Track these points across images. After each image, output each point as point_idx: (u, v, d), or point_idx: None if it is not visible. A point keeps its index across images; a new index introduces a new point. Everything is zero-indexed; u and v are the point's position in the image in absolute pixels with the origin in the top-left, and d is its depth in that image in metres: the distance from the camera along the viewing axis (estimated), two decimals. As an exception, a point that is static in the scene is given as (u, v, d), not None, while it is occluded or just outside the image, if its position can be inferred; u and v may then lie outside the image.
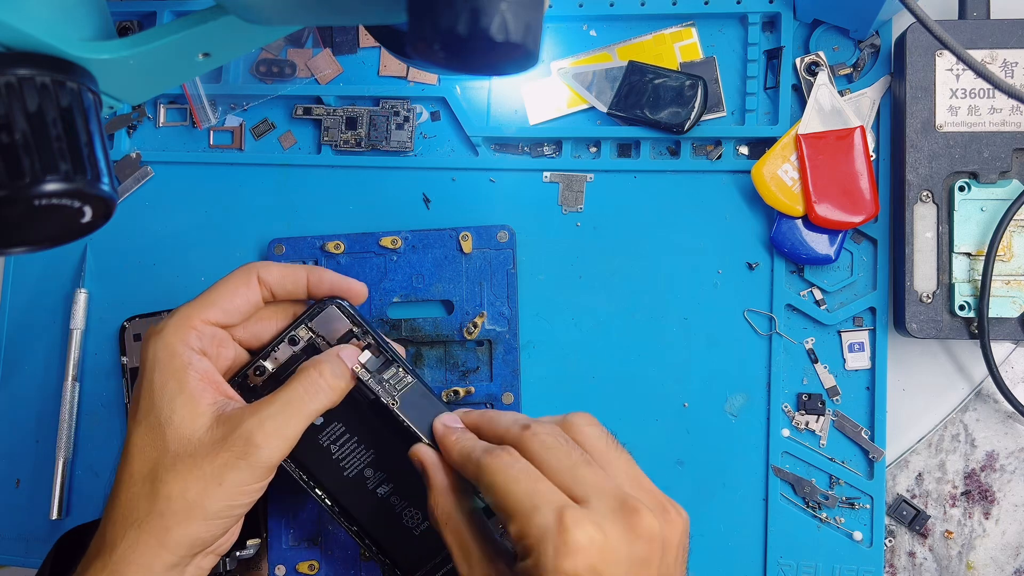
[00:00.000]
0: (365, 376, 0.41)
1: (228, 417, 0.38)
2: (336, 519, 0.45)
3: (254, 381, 0.43)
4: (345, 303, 0.43)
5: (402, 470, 0.44)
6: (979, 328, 0.45)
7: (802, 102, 0.50)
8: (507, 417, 0.38)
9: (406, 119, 0.54)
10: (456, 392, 0.50)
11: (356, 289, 0.43)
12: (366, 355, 0.42)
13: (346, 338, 0.43)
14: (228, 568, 0.49)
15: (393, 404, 0.41)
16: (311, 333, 0.43)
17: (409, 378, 0.42)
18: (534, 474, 0.34)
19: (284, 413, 0.38)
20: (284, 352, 0.43)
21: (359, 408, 0.43)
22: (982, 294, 0.45)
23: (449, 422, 0.40)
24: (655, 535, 0.33)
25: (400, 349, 0.45)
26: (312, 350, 0.43)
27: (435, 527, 0.38)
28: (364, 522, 0.44)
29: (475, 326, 0.51)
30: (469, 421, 0.40)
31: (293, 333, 0.43)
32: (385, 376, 0.42)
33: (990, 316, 0.45)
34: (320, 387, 0.40)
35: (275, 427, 0.38)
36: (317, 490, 0.44)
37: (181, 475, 0.37)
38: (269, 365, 0.43)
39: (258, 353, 0.43)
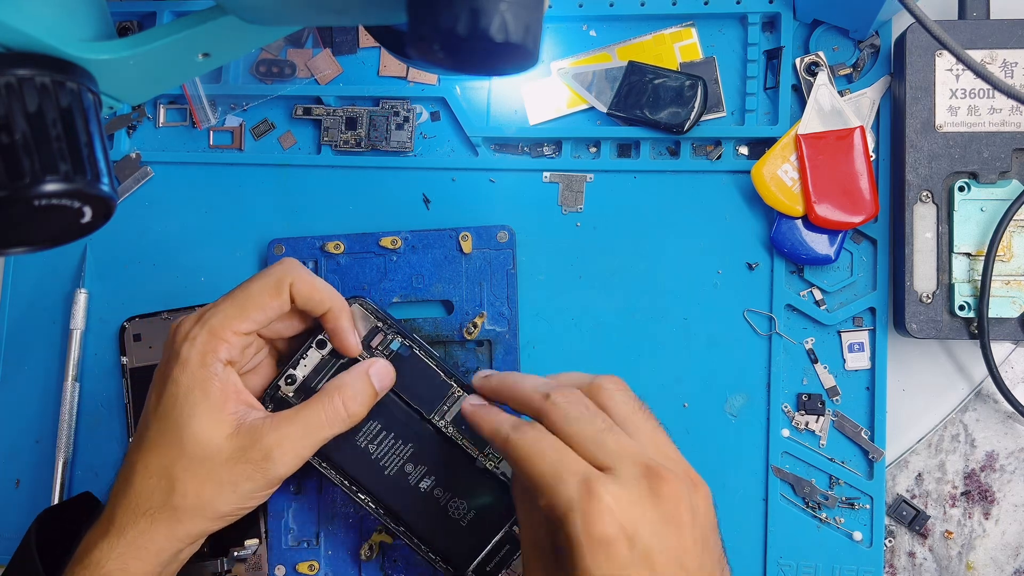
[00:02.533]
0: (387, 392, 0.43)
1: (249, 429, 0.39)
2: (383, 520, 0.45)
3: (285, 392, 0.44)
4: (368, 300, 0.44)
5: (442, 462, 0.44)
6: (979, 328, 0.45)
7: (802, 102, 0.50)
8: (527, 384, 0.38)
9: (406, 119, 0.54)
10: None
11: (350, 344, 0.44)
12: (390, 373, 0.43)
13: (373, 334, 0.44)
14: (227, 568, 0.49)
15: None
16: None
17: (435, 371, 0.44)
18: (559, 446, 0.35)
19: (303, 434, 0.40)
20: (313, 357, 0.44)
21: (393, 403, 0.44)
22: (982, 294, 0.45)
23: (473, 400, 0.41)
24: (682, 498, 0.33)
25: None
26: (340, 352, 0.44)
27: (516, 463, 0.36)
28: (411, 520, 0.44)
29: (475, 326, 0.51)
30: (490, 387, 0.41)
31: (320, 337, 0.44)
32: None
33: (990, 316, 0.45)
34: (339, 416, 0.41)
35: (293, 446, 0.39)
36: (361, 494, 0.44)
37: (198, 477, 0.39)
38: (299, 374, 0.44)
39: (287, 363, 0.44)
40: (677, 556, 0.32)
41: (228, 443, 0.39)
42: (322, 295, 0.42)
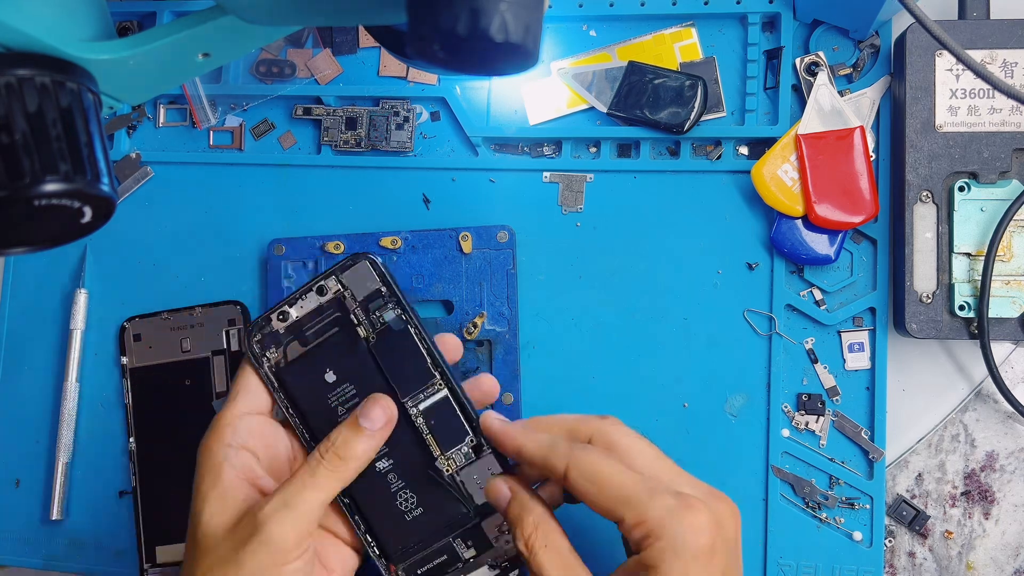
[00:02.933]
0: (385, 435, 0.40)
1: (254, 511, 0.37)
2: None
3: (277, 326, 0.41)
4: (379, 260, 0.42)
5: (404, 449, 0.42)
6: (979, 328, 0.45)
7: (802, 102, 0.50)
8: (541, 440, 0.38)
9: (406, 119, 0.54)
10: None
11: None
12: (386, 412, 0.40)
13: (373, 298, 0.41)
14: None
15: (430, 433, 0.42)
16: (339, 286, 0.41)
17: (439, 387, 0.42)
18: (626, 469, 0.35)
19: (292, 489, 0.38)
20: (311, 301, 0.41)
21: (372, 375, 0.42)
22: (982, 294, 0.45)
23: (501, 418, 0.40)
24: (737, 516, 0.37)
25: (454, 347, 0.44)
26: (338, 305, 0.41)
27: (530, 560, 0.37)
28: (358, 495, 0.42)
29: (475, 326, 0.51)
30: (507, 440, 0.40)
31: (323, 283, 0.41)
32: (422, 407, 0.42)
33: (990, 316, 0.45)
34: (334, 463, 0.39)
35: (281, 502, 0.37)
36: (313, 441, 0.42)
37: (204, 562, 0.37)
38: (294, 312, 0.41)
39: (283, 300, 0.42)
40: (737, 565, 0.36)
41: (232, 531, 0.37)
42: None
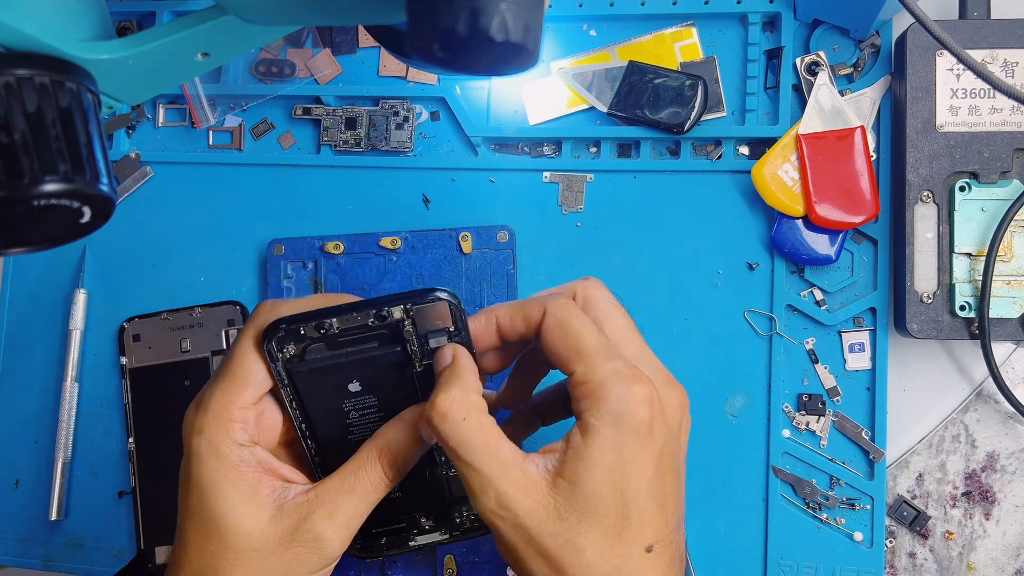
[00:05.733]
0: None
1: (292, 508, 0.36)
2: (310, 454, 0.40)
3: (307, 331, 0.37)
4: (459, 302, 0.37)
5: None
6: (980, 328, 0.45)
7: (802, 102, 0.50)
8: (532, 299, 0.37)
9: (406, 119, 0.54)
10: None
11: None
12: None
13: (437, 332, 0.38)
14: None
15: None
16: (406, 316, 0.37)
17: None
18: (598, 329, 0.35)
19: (353, 503, 0.36)
20: (361, 318, 0.37)
21: (404, 385, 0.39)
22: (983, 294, 0.45)
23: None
24: (685, 405, 0.37)
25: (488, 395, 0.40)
26: (389, 335, 0.38)
27: (441, 431, 0.34)
28: (335, 463, 0.39)
29: (475, 326, 0.50)
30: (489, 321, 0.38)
31: (387, 309, 0.37)
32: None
33: (991, 316, 0.45)
34: (385, 480, 0.37)
35: (346, 519, 0.36)
36: (310, 440, 0.40)
37: (247, 570, 0.35)
38: (337, 324, 0.37)
39: (331, 311, 0.37)
40: (675, 456, 0.36)
41: (272, 528, 0.35)
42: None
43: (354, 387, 0.39)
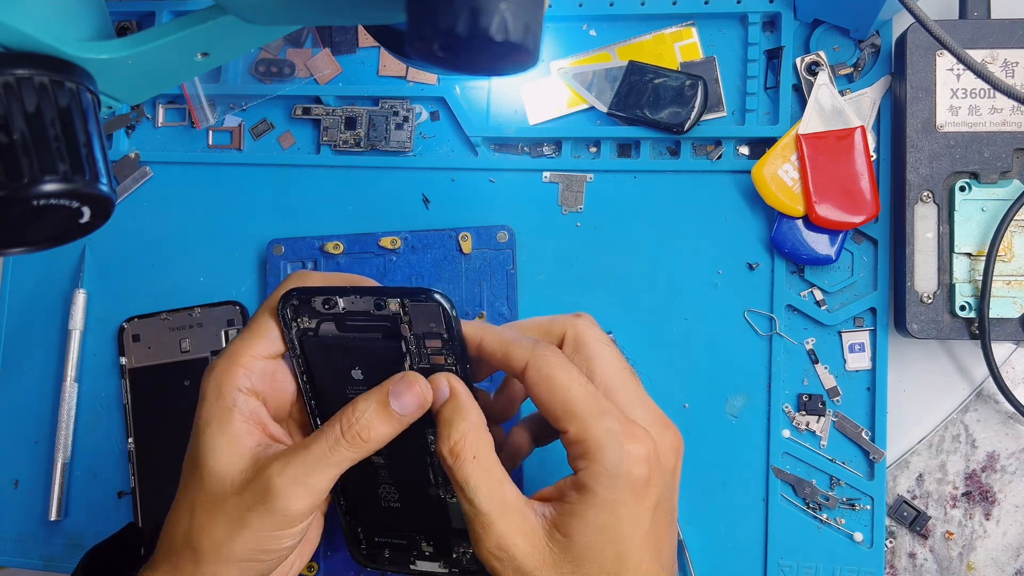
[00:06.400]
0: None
1: (261, 461, 0.36)
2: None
3: (317, 306, 0.38)
4: (451, 306, 0.37)
5: (408, 461, 0.41)
6: (980, 328, 0.45)
7: (802, 102, 0.50)
8: (514, 333, 0.37)
9: (405, 119, 0.54)
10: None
11: None
12: (419, 396, 0.37)
13: (431, 336, 0.38)
14: None
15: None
16: (401, 310, 0.37)
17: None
18: (585, 380, 0.34)
19: (309, 466, 0.36)
20: (363, 303, 0.38)
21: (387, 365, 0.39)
22: (983, 294, 0.45)
23: (472, 322, 0.38)
24: (680, 449, 0.36)
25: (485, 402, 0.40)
26: (392, 321, 0.38)
27: (454, 469, 0.34)
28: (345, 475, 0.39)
29: (475, 326, 0.50)
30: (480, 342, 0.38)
31: (385, 299, 0.37)
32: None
33: (991, 316, 0.45)
34: (355, 445, 0.36)
35: (297, 478, 0.35)
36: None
37: (211, 514, 0.36)
38: (342, 304, 0.38)
39: (337, 290, 0.38)
40: (670, 501, 0.36)
41: (241, 476, 0.36)
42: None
43: (356, 374, 0.39)
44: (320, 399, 0.40)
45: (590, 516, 0.33)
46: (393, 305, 0.38)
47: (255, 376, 0.38)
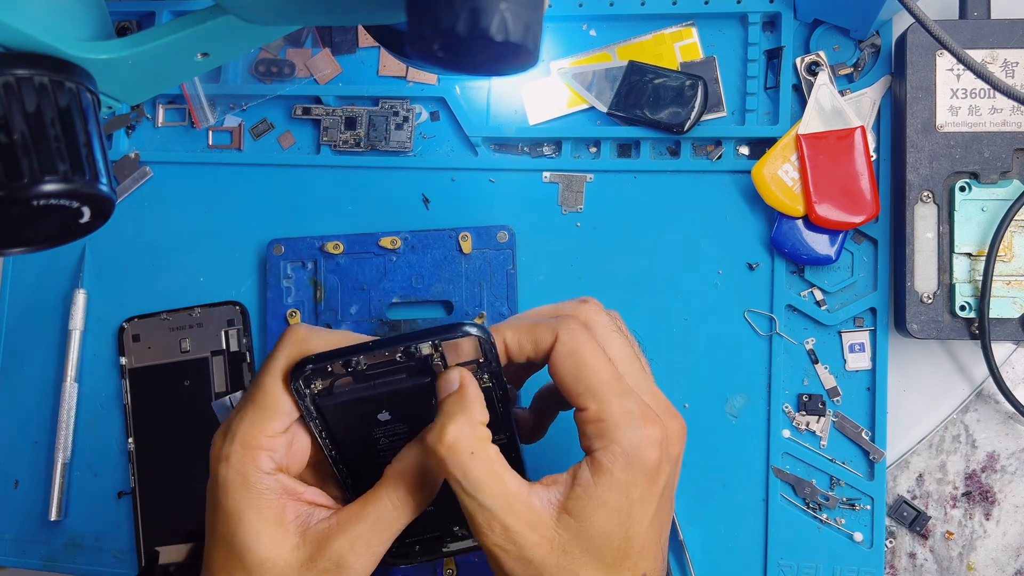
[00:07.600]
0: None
1: (316, 534, 0.36)
2: (340, 476, 0.39)
3: (337, 370, 0.36)
4: (487, 335, 0.36)
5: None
6: (980, 329, 0.45)
7: (802, 102, 0.50)
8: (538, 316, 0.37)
9: (405, 119, 0.54)
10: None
11: None
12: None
13: (466, 363, 0.37)
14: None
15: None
16: (434, 351, 0.36)
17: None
18: (609, 359, 0.34)
19: (373, 531, 0.35)
20: (387, 355, 0.36)
21: (433, 414, 0.37)
22: (983, 294, 0.45)
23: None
24: (684, 437, 0.36)
25: (523, 421, 0.40)
26: (422, 367, 0.36)
27: (448, 463, 0.33)
28: (359, 480, 0.39)
29: (475, 326, 0.50)
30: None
31: (415, 345, 0.36)
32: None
33: (991, 316, 0.45)
34: (410, 505, 0.36)
35: (366, 546, 0.35)
36: (340, 464, 0.39)
37: None
38: (364, 361, 0.36)
39: (357, 349, 0.36)
40: (672, 488, 0.36)
41: (296, 555, 0.35)
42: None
43: (383, 416, 0.38)
44: (344, 449, 0.39)
45: (605, 497, 0.33)
46: (426, 349, 0.36)
47: (277, 454, 0.36)
